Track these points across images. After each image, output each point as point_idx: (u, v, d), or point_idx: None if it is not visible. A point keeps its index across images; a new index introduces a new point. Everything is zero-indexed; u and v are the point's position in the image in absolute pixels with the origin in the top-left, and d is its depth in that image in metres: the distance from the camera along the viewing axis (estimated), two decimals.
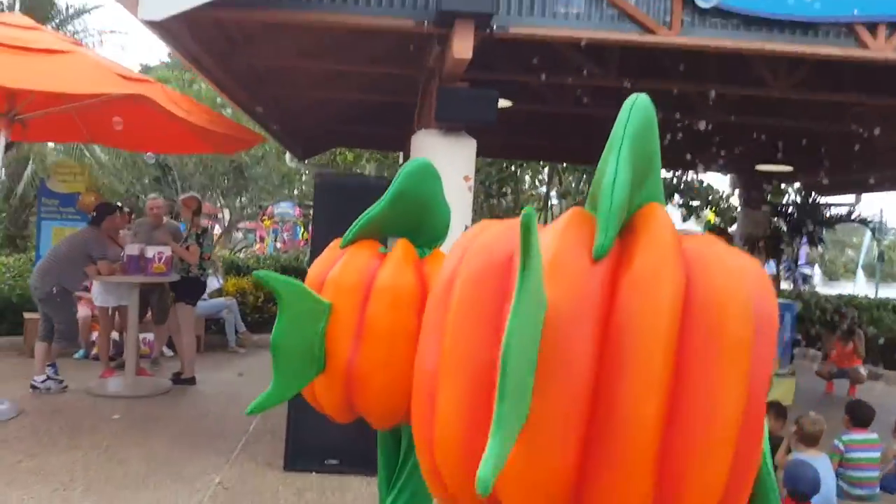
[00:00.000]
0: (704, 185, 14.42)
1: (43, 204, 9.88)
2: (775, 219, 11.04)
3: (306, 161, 15.00)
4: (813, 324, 11.67)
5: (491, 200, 16.97)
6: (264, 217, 24.66)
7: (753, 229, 10.82)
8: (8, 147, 6.95)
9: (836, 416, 5.63)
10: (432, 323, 2.23)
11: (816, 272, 45.47)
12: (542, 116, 7.97)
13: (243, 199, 21.67)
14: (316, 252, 4.85)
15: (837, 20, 4.59)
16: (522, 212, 1.44)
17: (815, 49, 4.63)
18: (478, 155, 13.04)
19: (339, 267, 3.01)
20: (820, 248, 11.23)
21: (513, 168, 15.95)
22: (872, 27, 4.61)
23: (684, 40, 4.55)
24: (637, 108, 1.83)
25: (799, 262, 13.21)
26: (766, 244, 10.36)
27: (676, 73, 5.83)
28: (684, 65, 5.72)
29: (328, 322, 2.91)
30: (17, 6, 8.60)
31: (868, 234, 39.21)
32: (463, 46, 4.22)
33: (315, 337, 2.89)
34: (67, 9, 13.36)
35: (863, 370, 8.86)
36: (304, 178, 21.37)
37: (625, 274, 1.58)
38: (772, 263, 11.68)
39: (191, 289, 7.06)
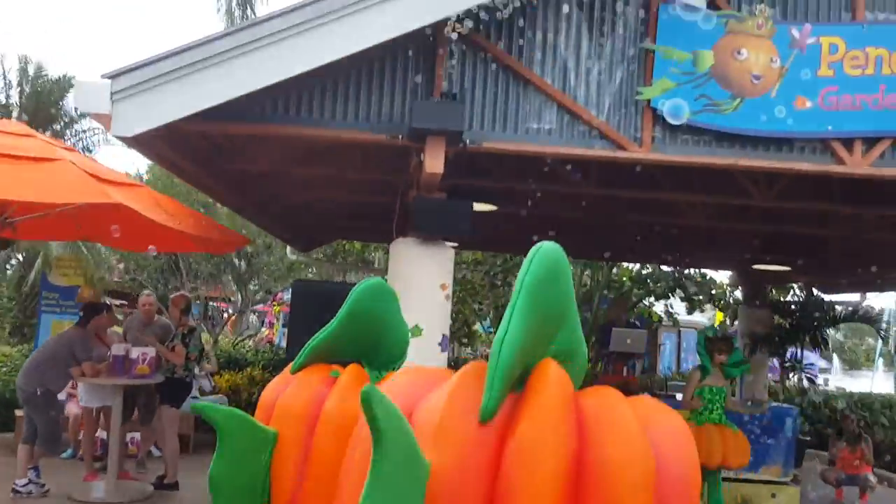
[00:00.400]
0: (707, 278, 14.33)
1: (44, 297, 9.98)
2: (777, 317, 10.87)
3: (311, 253, 15.15)
4: (823, 425, 11.32)
5: (497, 290, 16.92)
6: (274, 302, 24.75)
7: (754, 327, 10.65)
8: (2, 246, 7.09)
9: None
10: (345, 471, 2.16)
11: (836, 362, 44.33)
12: (534, 217, 8.00)
13: (253, 284, 21.86)
14: (291, 353, 4.79)
15: (812, 136, 4.63)
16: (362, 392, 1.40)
17: (790, 165, 4.66)
18: (478, 249, 13.08)
19: (286, 393, 2.96)
20: (823, 348, 10.99)
21: (518, 259, 15.97)
22: (848, 143, 4.64)
23: (656, 157, 4.60)
24: (538, 260, 1.80)
25: (805, 361, 12.95)
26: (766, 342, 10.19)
27: (660, 182, 5.88)
28: (668, 174, 5.78)
29: (273, 452, 2.84)
30: (16, 112, 8.95)
31: (887, 319, 38.47)
32: (434, 162, 4.29)
33: (259, 469, 2.81)
34: (76, 109, 13.91)
35: (873, 478, 8.51)
36: (312, 268, 21.48)
37: (510, 439, 1.52)
38: (774, 362, 11.44)
39: (176, 390, 6.99)
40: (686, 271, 15.07)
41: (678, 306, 15.56)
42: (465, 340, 20.22)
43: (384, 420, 1.38)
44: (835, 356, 45.59)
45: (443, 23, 4.18)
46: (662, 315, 16.34)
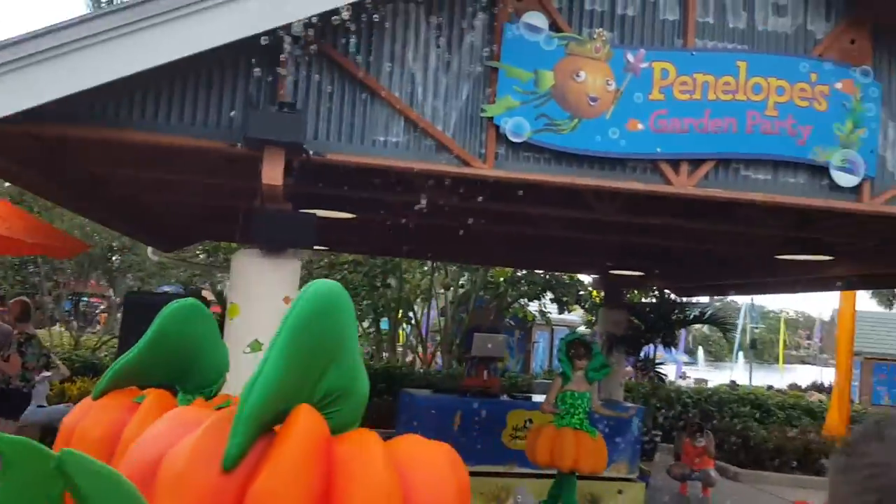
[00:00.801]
0: (575, 279, 14.90)
1: None
2: (633, 318, 11.44)
3: (186, 251, 14.57)
4: (675, 420, 12.02)
5: (377, 291, 16.85)
6: None
7: (612, 328, 11.16)
8: None
9: None
10: None
11: (700, 355, 47.05)
12: (402, 224, 7.99)
13: (128, 279, 20.87)
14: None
15: (642, 157, 4.87)
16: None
17: (623, 184, 4.88)
18: (354, 252, 12.94)
19: (85, 421, 2.81)
20: (675, 348, 11.67)
21: (397, 259, 15.97)
22: (675, 164, 4.91)
23: (498, 173, 4.70)
24: (305, 298, 1.78)
25: (671, 354, 13.60)
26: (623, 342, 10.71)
27: (512, 195, 6.01)
28: (518, 188, 5.92)
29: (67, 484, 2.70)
30: None
31: (743, 315, 41.60)
32: (273, 172, 4.21)
33: (47, 502, 2.66)
34: None
35: (714, 473, 9.11)
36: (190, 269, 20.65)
37: (250, 488, 1.50)
38: (630, 360, 12.03)
39: (12, 402, 6.54)
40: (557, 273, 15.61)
41: (552, 306, 16.11)
42: None
43: (86, 484, 1.33)
44: (700, 349, 48.52)
45: (284, 29, 4.10)
46: (536, 314, 16.85)
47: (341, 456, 1.58)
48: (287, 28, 4.05)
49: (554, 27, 4.74)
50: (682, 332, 37.10)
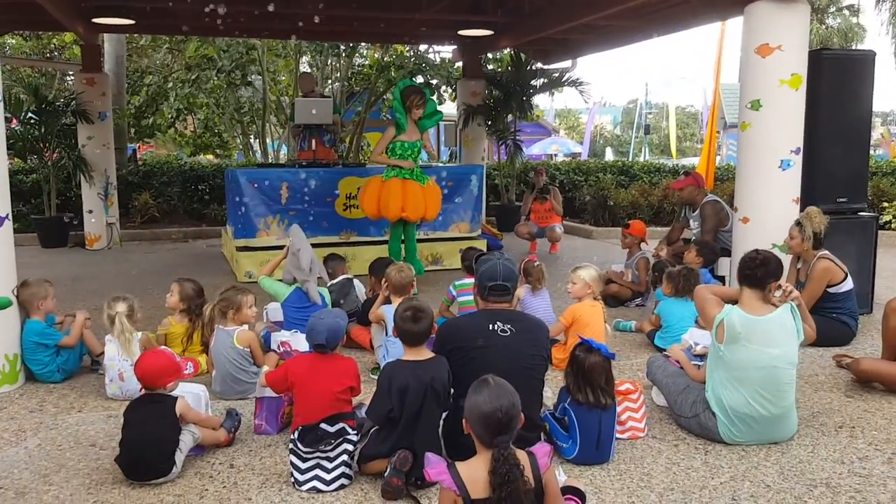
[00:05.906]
0: (447, 62, 14.09)
1: None
2: (491, 87, 10.93)
3: None
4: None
5: (236, 89, 15.72)
6: None
7: (469, 99, 10.66)
8: None
9: None
10: None
11: (608, 153, 48.50)
12: None
13: None
14: None
15: None
16: None
17: None
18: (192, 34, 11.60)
19: None
20: (529, 115, 11.19)
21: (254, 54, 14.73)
22: None
23: None
24: None
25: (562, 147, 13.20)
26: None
27: None
28: None
29: None
30: None
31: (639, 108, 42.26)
32: None
33: None
34: None
35: (559, 228, 9.07)
36: None
37: None
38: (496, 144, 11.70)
39: None
40: (427, 55, 14.81)
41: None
42: (219, 152, 19.13)
43: None
44: (609, 148, 50.17)
45: None
46: None
47: None
48: None
49: None
50: (588, 127, 37.06)
